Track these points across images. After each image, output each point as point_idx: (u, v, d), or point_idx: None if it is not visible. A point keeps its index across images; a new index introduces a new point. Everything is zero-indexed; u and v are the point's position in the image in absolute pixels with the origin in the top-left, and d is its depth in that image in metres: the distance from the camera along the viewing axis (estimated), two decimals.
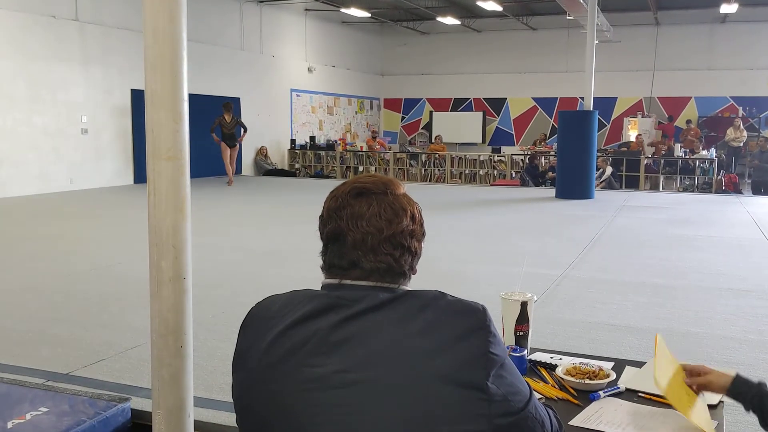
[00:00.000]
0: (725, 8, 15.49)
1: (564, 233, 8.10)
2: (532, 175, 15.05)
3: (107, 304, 4.73)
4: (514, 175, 16.17)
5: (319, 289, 1.31)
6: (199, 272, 5.59)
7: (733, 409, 1.69)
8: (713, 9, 16.18)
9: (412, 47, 22.14)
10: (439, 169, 17.47)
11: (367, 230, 1.24)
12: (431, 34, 21.35)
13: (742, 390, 1.50)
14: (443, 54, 21.77)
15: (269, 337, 1.26)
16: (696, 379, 1.59)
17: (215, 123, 13.46)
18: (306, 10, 18.44)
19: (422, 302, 1.23)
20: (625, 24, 18.33)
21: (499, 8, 16.19)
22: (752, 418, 2.75)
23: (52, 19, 11.80)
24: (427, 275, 5.55)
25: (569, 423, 1.54)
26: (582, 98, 12.41)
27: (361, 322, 1.21)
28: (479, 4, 15.74)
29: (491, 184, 15.87)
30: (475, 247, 7.26)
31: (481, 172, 17.06)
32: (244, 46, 16.55)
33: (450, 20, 18.32)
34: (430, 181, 17.28)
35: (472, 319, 1.21)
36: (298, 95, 18.65)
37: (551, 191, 12.41)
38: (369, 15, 17.91)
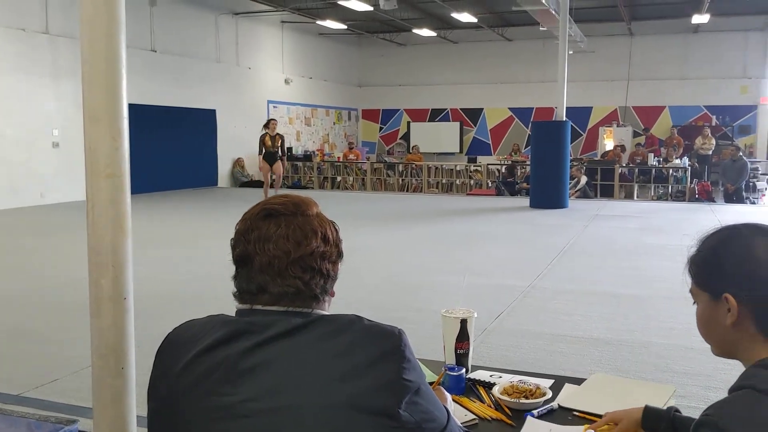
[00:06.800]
0: (697, 18, 15.70)
1: (534, 243, 8.12)
2: (509, 185, 15.11)
3: (69, 321, 4.66)
4: (490, 185, 16.23)
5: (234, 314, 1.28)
6: (168, 286, 5.56)
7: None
8: (685, 19, 16.39)
9: (390, 58, 22.21)
10: (416, 179, 17.49)
11: (274, 253, 1.20)
12: (408, 45, 21.44)
13: (654, 423, 1.44)
14: (420, 65, 21.85)
15: (180, 364, 1.22)
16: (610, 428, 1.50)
17: (260, 143, 12.68)
18: (282, 22, 18.44)
19: (336, 327, 1.20)
20: (599, 34, 18.52)
21: (474, 20, 16.30)
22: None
23: (22, 33, 11.69)
24: (395, 287, 5.54)
25: None
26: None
27: (272, 348, 1.18)
28: (454, 15, 15.84)
29: (467, 194, 15.91)
30: (447, 257, 7.25)
31: (457, 182, 17.11)
32: (220, 58, 16.49)
33: (426, 32, 18.40)
34: (407, 191, 17.30)
35: (386, 344, 1.18)
36: (275, 107, 18.60)
37: (526, 201, 12.46)
38: (345, 27, 17.93)
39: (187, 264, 6.74)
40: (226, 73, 16.64)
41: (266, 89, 18.27)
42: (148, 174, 13.63)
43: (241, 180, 16.72)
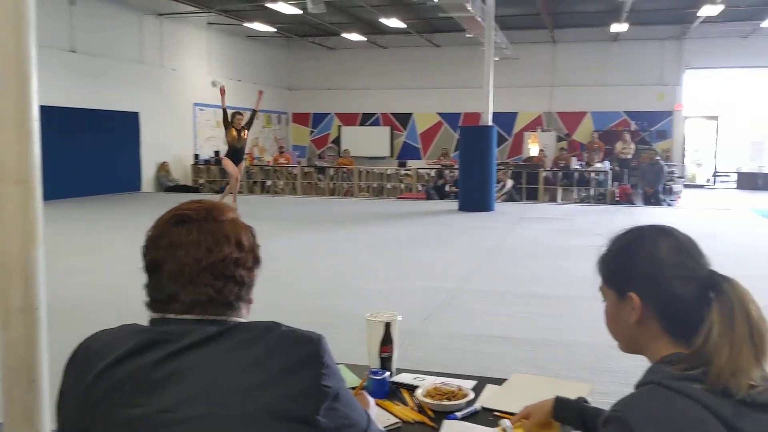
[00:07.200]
0: (616, 27, 16.31)
1: (462, 246, 8.24)
2: (439, 189, 15.30)
3: None
4: (420, 189, 16.40)
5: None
6: (84, 296, 5.36)
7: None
8: (605, 28, 16.98)
9: (320, 62, 22.15)
10: (347, 183, 17.50)
11: (185, 261, 1.17)
12: (338, 49, 21.42)
13: (564, 413, 1.51)
14: (351, 69, 21.89)
15: (91, 376, 1.18)
16: (523, 423, 1.57)
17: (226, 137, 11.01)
18: (209, 23, 18.12)
19: (254, 334, 1.18)
20: (523, 41, 18.96)
21: (402, 25, 16.43)
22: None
23: None
24: (323, 292, 5.50)
25: None
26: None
27: (186, 358, 1.15)
28: (383, 21, 15.93)
29: (398, 198, 16.01)
30: (375, 260, 7.27)
31: (388, 186, 17.22)
32: (144, 59, 16.06)
33: (355, 36, 18.45)
34: (338, 195, 17.28)
35: (304, 350, 1.17)
36: (201, 109, 18.25)
37: (455, 204, 12.63)
38: (274, 30, 17.77)
39: (105, 272, 6.51)
40: (150, 74, 16.21)
41: (192, 91, 17.91)
42: (66, 179, 13.17)
43: (166, 185, 16.32)
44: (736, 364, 1.02)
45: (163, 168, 16.51)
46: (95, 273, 6.48)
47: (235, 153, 11.08)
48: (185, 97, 17.62)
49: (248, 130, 11.25)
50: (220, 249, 1.19)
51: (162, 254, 1.19)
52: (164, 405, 1.11)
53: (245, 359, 1.15)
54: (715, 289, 1.08)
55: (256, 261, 1.28)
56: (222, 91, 11.00)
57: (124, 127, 15.27)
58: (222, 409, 1.11)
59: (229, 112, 11.41)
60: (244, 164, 11.43)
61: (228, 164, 11.16)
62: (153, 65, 16.35)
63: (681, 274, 1.12)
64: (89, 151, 14.20)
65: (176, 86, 17.26)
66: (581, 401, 1.51)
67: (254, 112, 11.15)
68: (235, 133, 10.97)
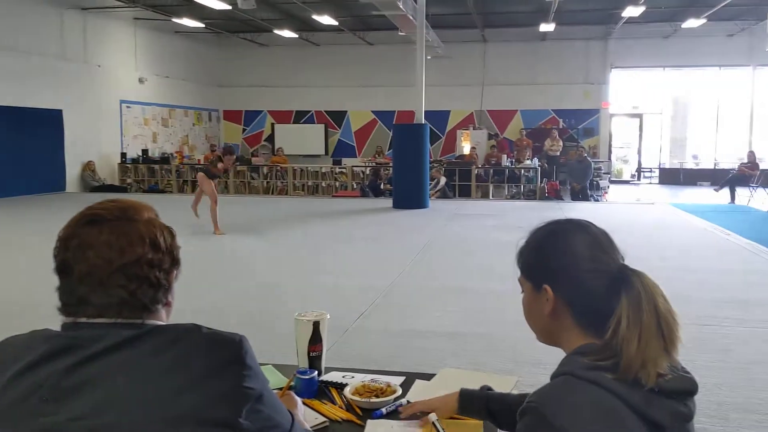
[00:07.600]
0: (544, 27, 16.71)
1: (397, 243, 8.28)
2: (374, 187, 15.33)
3: None
4: (355, 186, 16.39)
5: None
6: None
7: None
8: (534, 27, 17.36)
9: (252, 59, 21.86)
10: (281, 182, 17.33)
11: (95, 262, 1.12)
12: (270, 46, 21.20)
13: (469, 405, 1.50)
14: (284, 66, 21.68)
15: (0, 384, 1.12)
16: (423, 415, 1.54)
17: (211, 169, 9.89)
18: (135, 18, 17.62)
19: (173, 337, 1.14)
20: (455, 40, 19.18)
21: (335, 23, 16.37)
22: None
23: None
24: (255, 292, 5.41)
25: None
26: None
27: (101, 363, 1.10)
28: (315, 17, 15.84)
29: (333, 196, 15.97)
30: (310, 259, 7.23)
31: (323, 184, 17.14)
32: (67, 55, 15.50)
33: (287, 33, 18.29)
34: (272, 193, 17.10)
35: (225, 352, 1.14)
36: (128, 107, 17.76)
37: (389, 202, 12.68)
38: (203, 25, 17.44)
39: (20, 276, 6.25)
40: (74, 71, 15.66)
41: (118, 88, 17.40)
42: None
43: (92, 184, 15.81)
44: (645, 354, 1.05)
45: (88, 167, 15.99)
46: (9, 277, 6.21)
47: (211, 175, 9.91)
48: (111, 94, 17.11)
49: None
50: (133, 250, 1.15)
51: (72, 255, 1.14)
52: (76, 413, 1.07)
53: (164, 363, 1.11)
54: (625, 282, 1.11)
55: (175, 262, 1.23)
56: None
57: (46, 125, 14.70)
58: (139, 415, 1.07)
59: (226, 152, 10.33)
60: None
61: (204, 184, 9.77)
62: (76, 61, 15.81)
63: (593, 267, 1.14)
64: (9, 150, 13.62)
65: (101, 83, 16.73)
66: (485, 390, 1.50)
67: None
68: (222, 169, 10.01)
